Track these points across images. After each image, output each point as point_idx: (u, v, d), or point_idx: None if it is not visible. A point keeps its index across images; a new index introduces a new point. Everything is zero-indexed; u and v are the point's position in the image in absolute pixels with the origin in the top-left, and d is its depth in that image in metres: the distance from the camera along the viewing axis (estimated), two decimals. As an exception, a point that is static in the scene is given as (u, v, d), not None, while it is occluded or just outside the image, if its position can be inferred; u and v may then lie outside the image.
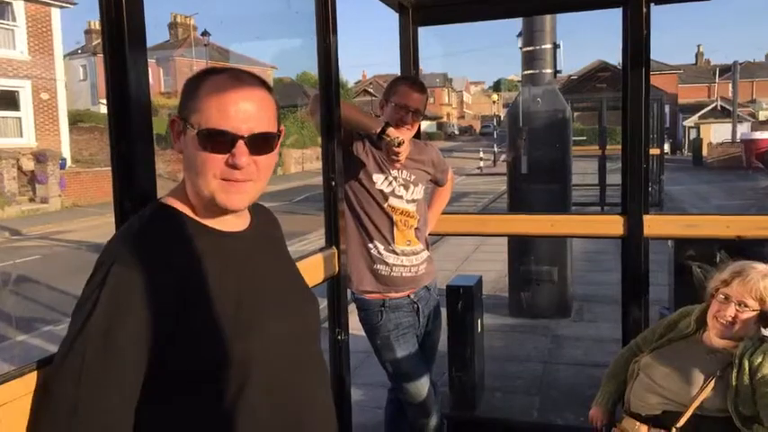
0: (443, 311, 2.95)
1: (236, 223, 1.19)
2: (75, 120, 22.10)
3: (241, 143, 1.09)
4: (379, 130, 2.39)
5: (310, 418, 1.20)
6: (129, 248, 1.06)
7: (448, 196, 3.01)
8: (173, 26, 41.71)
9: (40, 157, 17.68)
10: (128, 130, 1.30)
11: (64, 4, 20.89)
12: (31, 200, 17.56)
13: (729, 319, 2.03)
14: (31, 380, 1.09)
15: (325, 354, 2.45)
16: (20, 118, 19.90)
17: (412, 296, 2.63)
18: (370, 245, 2.56)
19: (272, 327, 1.15)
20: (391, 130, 2.39)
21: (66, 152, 20.82)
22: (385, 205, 2.56)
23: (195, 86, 1.12)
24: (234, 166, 1.09)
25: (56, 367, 1.01)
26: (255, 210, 1.29)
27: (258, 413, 1.11)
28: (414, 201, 2.63)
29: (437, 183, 2.89)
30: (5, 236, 14.00)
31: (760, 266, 2.06)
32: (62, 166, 18.85)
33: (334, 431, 1.29)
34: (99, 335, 0.99)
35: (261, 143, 1.11)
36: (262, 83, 1.16)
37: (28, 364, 1.11)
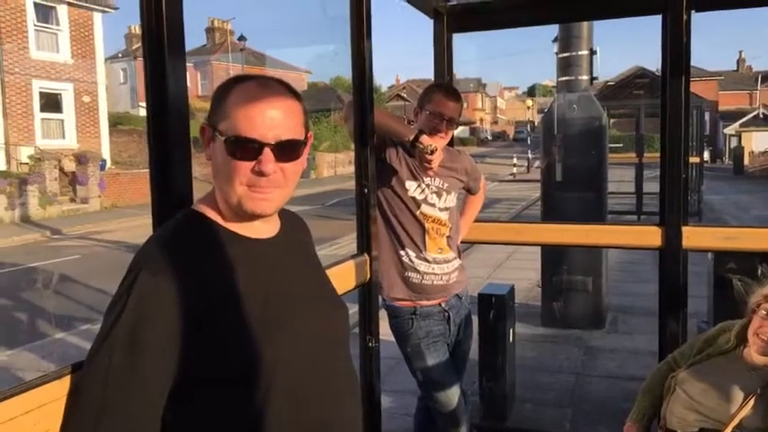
0: (475, 320, 2.93)
1: (264, 229, 1.20)
2: (115, 122, 22.61)
3: (267, 150, 1.09)
4: (412, 138, 2.39)
5: (336, 427, 1.19)
6: (158, 255, 1.08)
7: (480, 204, 3.00)
8: (210, 30, 42.43)
9: (81, 159, 18.13)
10: (166, 133, 1.32)
11: (105, 9, 21.44)
12: (72, 200, 18.00)
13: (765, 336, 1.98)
14: (67, 382, 1.11)
15: (356, 360, 2.47)
16: (62, 120, 20.45)
17: (443, 304, 2.61)
18: (402, 252, 2.56)
19: (300, 332, 1.15)
20: (425, 138, 2.39)
21: (105, 154, 21.32)
22: (417, 213, 2.55)
23: (224, 94, 1.13)
24: (260, 174, 1.10)
25: (85, 369, 1.04)
26: (285, 216, 1.30)
27: (283, 420, 1.10)
28: (446, 209, 2.62)
29: (470, 191, 2.88)
30: (47, 235, 14.38)
31: None
32: (102, 168, 19.30)
33: None
34: (126, 339, 1.01)
35: (287, 150, 1.12)
36: (289, 90, 1.17)
37: (65, 366, 1.13)
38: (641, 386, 2.36)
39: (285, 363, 1.10)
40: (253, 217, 1.16)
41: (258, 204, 1.13)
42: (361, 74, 2.27)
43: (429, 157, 2.38)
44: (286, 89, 1.16)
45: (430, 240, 2.57)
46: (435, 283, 2.58)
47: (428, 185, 2.57)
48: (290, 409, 1.11)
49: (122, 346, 1.01)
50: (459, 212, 2.81)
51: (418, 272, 2.56)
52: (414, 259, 2.56)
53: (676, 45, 2.69)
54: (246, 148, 1.09)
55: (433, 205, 2.58)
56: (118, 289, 1.06)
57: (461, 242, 2.83)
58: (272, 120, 1.10)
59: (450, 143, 2.79)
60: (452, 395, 2.60)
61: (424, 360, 2.58)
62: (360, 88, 2.30)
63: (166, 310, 1.03)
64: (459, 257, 2.72)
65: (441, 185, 2.61)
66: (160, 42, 1.33)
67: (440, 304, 2.61)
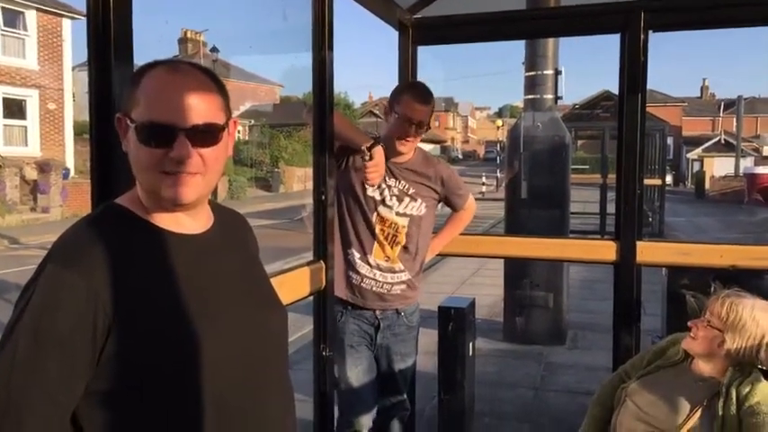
0: (434, 333, 2.90)
1: (191, 224, 1.14)
2: (81, 131, 22.19)
3: (182, 136, 1.04)
4: (368, 146, 2.33)
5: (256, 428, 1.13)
6: (68, 248, 1.04)
7: (463, 224, 2.87)
8: (183, 41, 42.11)
9: (43, 167, 17.75)
10: (109, 141, 1.27)
11: (75, 16, 21.10)
12: (33, 209, 17.59)
13: (693, 333, 2.03)
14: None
15: (310, 368, 2.43)
16: (25, 127, 20.02)
17: (377, 313, 2.55)
18: (348, 251, 2.52)
19: (226, 330, 1.10)
20: (376, 151, 2.33)
21: (69, 163, 20.90)
22: (373, 215, 2.50)
23: (136, 80, 1.08)
24: (176, 161, 1.05)
25: None
26: (221, 212, 1.25)
27: (204, 421, 1.05)
28: (405, 215, 2.54)
29: (452, 206, 2.75)
30: (5, 244, 13.99)
31: (745, 296, 2.04)
32: (65, 176, 18.91)
33: None
34: (28, 336, 0.97)
35: (204, 135, 1.06)
36: (204, 72, 1.12)
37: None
38: (593, 398, 2.37)
39: (205, 359, 1.04)
40: (174, 207, 1.10)
41: (176, 191, 1.06)
42: (321, 82, 2.27)
43: (367, 163, 2.32)
44: (200, 71, 1.11)
45: (377, 246, 2.52)
46: (373, 289, 2.52)
47: (389, 186, 2.51)
48: (211, 411, 1.05)
49: (26, 342, 0.97)
50: (431, 227, 2.69)
51: (359, 273, 2.51)
52: (357, 260, 2.51)
53: (634, 64, 2.76)
54: (160, 135, 1.04)
55: (390, 208, 2.52)
56: (26, 283, 1.02)
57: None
58: (185, 104, 1.05)
59: None
60: (359, 409, 2.53)
61: (344, 360, 2.51)
62: (319, 97, 2.29)
63: (73, 303, 0.98)
64: (414, 274, 2.60)
65: (404, 189, 2.53)
66: (106, 45, 1.31)
67: (374, 312, 2.54)
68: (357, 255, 2.51)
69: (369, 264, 2.51)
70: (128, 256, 1.05)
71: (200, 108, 1.06)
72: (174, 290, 1.07)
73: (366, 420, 2.57)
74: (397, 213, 2.53)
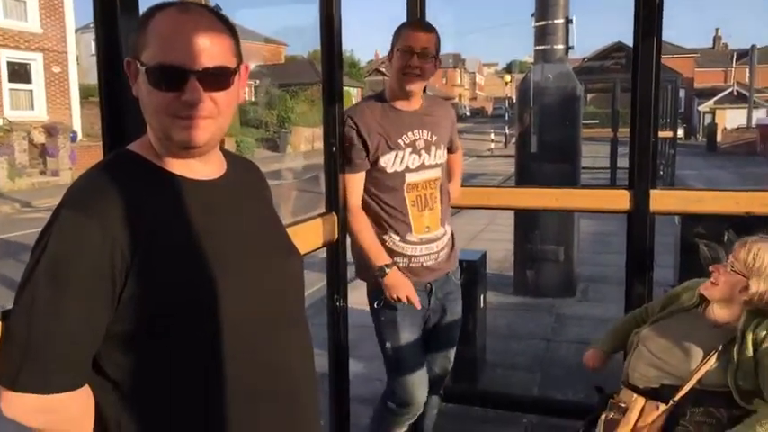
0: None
1: (203, 170, 1.14)
2: (87, 94, 22.09)
3: (193, 79, 1.02)
4: (379, 265, 2.25)
5: (283, 371, 1.15)
6: (82, 192, 1.04)
7: (462, 163, 2.78)
8: (185, 1, 41.45)
9: (51, 131, 17.73)
10: (120, 100, 1.26)
11: (76, -23, 20.80)
12: (42, 173, 17.63)
13: (714, 278, 2.02)
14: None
15: (323, 323, 2.45)
16: (31, 91, 19.91)
17: (431, 282, 2.43)
18: (386, 237, 2.35)
19: (244, 271, 1.10)
20: (392, 272, 2.26)
21: (77, 126, 20.85)
22: (404, 187, 2.33)
23: (145, 23, 1.06)
24: (188, 104, 1.03)
25: (12, 309, 1.01)
26: (234, 159, 1.25)
27: (230, 358, 1.06)
28: (437, 165, 2.39)
29: (451, 147, 2.59)
30: (16, 207, 14.10)
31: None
32: (73, 140, 18.89)
33: (314, 402, 1.24)
34: (48, 277, 0.98)
35: (216, 78, 1.05)
36: (215, 15, 1.10)
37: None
38: (608, 329, 2.40)
39: (222, 301, 1.05)
40: (186, 151, 1.09)
41: (188, 134, 1.05)
42: (330, 37, 2.24)
43: (385, 283, 2.25)
44: (212, 14, 1.09)
45: (415, 221, 2.36)
46: (423, 264, 2.39)
47: (413, 143, 2.34)
48: (237, 348, 1.07)
49: (45, 286, 0.98)
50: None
51: (405, 255, 2.36)
52: (398, 243, 2.35)
53: (649, 9, 2.68)
54: (171, 77, 1.02)
55: (420, 167, 2.35)
56: (41, 230, 1.02)
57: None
58: (197, 46, 1.02)
59: None
60: (414, 386, 2.41)
61: (396, 331, 2.37)
62: (328, 52, 2.26)
63: (89, 246, 0.98)
64: (449, 223, 2.52)
65: (429, 138, 2.37)
66: (112, 3, 1.28)
67: (426, 283, 2.42)
68: (397, 238, 2.35)
69: (411, 242, 2.36)
70: (141, 201, 1.05)
71: (212, 51, 1.04)
72: (188, 234, 1.07)
73: (423, 397, 2.47)
74: (430, 166, 2.38)
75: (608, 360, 2.35)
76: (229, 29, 1.11)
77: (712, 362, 1.98)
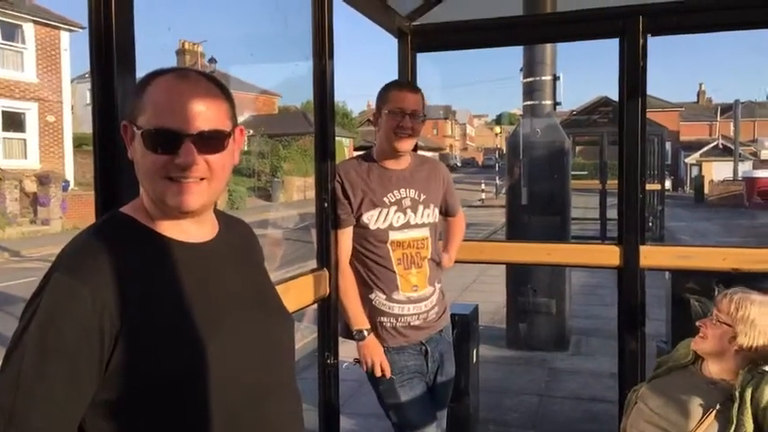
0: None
1: (197, 232, 1.14)
2: (80, 143, 22.23)
3: (188, 142, 1.04)
4: (356, 329, 2.27)
5: None
6: (74, 257, 1.03)
7: (464, 227, 2.70)
8: (181, 53, 42.21)
9: (43, 179, 17.75)
10: (113, 151, 1.28)
11: (73, 28, 21.17)
12: (32, 222, 17.56)
13: (702, 333, 2.02)
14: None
15: (315, 379, 2.41)
16: (25, 140, 20.04)
17: (423, 342, 2.38)
18: (371, 295, 2.31)
19: (231, 338, 1.09)
20: (370, 339, 2.28)
21: (69, 175, 20.91)
22: (387, 245, 2.29)
23: (142, 88, 1.08)
24: (182, 167, 1.04)
25: None
26: (226, 221, 1.25)
27: (213, 427, 1.04)
28: (425, 225, 2.35)
29: (449, 208, 2.56)
30: (6, 257, 13.97)
31: (750, 292, 2.04)
32: (65, 189, 18.91)
33: None
34: (37, 344, 0.97)
35: (210, 142, 1.06)
36: (211, 80, 1.12)
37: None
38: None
39: (212, 368, 1.03)
40: (180, 215, 1.10)
41: (182, 199, 1.06)
42: (323, 90, 2.28)
43: (361, 347, 2.26)
44: (207, 79, 1.11)
45: (401, 279, 2.31)
46: (412, 324, 2.33)
47: (399, 201, 2.31)
48: (222, 418, 1.05)
49: (33, 352, 0.96)
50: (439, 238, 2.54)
51: (392, 315, 2.31)
52: (384, 301, 2.30)
53: (633, 69, 2.76)
54: (166, 141, 1.04)
55: (405, 225, 2.31)
56: (33, 293, 1.01)
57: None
58: (192, 110, 1.05)
59: None
60: None
61: (398, 399, 2.31)
62: (321, 104, 2.31)
63: (80, 311, 0.97)
64: (440, 281, 2.47)
65: (416, 197, 2.34)
66: (109, 54, 1.31)
67: (419, 343, 2.37)
68: (383, 296, 2.31)
69: (399, 301, 2.31)
70: (133, 266, 1.04)
71: (207, 114, 1.06)
72: (179, 299, 1.06)
73: None
74: (416, 225, 2.34)
75: None
76: (225, 93, 1.13)
77: (710, 420, 1.96)
